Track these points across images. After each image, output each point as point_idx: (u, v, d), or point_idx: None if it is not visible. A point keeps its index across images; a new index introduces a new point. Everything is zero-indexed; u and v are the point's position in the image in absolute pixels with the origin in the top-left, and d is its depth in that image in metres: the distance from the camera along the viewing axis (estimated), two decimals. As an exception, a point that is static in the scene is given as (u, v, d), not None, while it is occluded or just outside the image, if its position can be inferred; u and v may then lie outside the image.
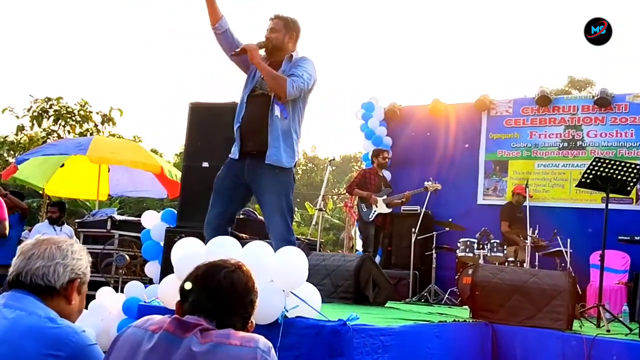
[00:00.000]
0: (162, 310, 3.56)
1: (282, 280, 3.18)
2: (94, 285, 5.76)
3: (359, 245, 9.12)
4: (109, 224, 8.38)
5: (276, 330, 3.09)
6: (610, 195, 5.61)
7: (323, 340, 3.08)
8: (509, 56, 61.90)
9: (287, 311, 3.15)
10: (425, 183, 8.41)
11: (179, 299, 1.88)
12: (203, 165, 6.33)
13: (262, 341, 1.78)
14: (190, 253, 3.34)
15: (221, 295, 1.81)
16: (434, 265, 8.35)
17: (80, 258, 2.03)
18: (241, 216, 7.59)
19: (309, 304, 3.25)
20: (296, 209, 28.76)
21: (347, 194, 9.27)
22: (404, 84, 58.03)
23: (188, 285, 1.83)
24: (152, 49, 70.24)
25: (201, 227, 5.87)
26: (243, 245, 3.33)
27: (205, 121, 6.50)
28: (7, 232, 5.62)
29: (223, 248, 3.19)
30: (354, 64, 67.75)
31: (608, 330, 4.60)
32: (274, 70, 4.14)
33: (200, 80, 63.68)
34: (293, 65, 4.23)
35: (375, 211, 7.99)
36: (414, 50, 64.32)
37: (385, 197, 8.30)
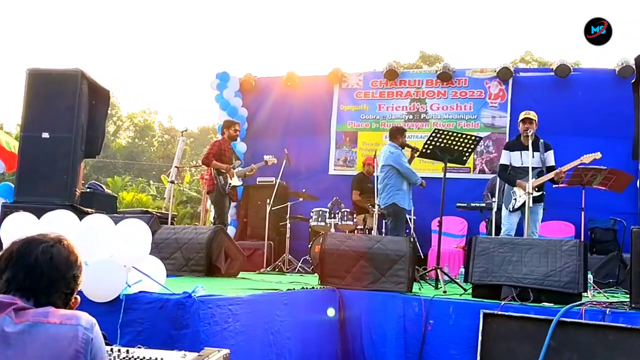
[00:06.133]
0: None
1: (123, 255, 3.08)
2: None
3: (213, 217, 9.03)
4: None
5: (118, 306, 3.01)
6: (449, 164, 6.00)
7: (167, 313, 3.03)
8: (363, 31, 63.63)
9: (130, 286, 3.07)
10: (265, 157, 8.48)
11: None
12: (43, 136, 5.97)
13: (85, 318, 1.70)
14: (22, 229, 3.13)
15: (39, 272, 1.71)
16: (288, 235, 8.50)
17: None
18: (87, 189, 7.23)
19: (153, 277, 3.18)
20: (152, 182, 28.00)
21: (203, 165, 9.12)
22: (261, 56, 57.82)
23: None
24: (-11, 9, 64.36)
25: (40, 202, 5.57)
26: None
27: (46, 89, 6.10)
28: None
29: (58, 223, 3.03)
30: (212, 33, 66.42)
31: (445, 292, 4.96)
32: None
33: (43, 45, 59.31)
34: None
35: (230, 183, 7.94)
36: (272, 22, 64.18)
37: (237, 169, 8.27)
